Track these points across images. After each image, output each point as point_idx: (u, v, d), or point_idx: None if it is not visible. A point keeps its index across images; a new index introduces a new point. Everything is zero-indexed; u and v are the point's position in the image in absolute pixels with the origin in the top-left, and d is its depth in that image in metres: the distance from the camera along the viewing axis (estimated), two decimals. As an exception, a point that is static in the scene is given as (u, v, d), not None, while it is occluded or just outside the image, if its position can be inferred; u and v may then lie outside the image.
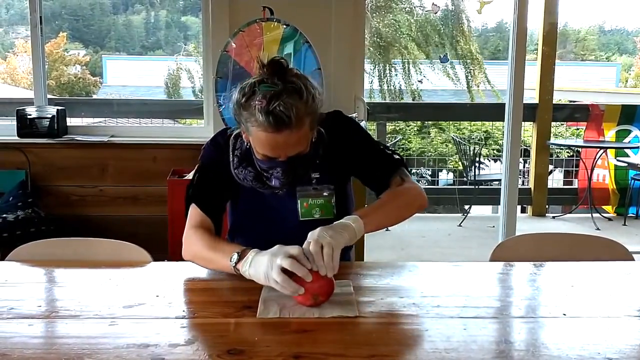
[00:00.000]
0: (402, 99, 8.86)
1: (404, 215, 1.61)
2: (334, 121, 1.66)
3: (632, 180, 5.57)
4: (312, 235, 1.38)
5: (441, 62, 8.79)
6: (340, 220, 1.46)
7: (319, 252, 1.34)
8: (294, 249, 1.34)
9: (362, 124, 2.80)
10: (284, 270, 1.31)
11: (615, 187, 5.71)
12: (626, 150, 5.79)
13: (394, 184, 1.63)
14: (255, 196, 1.64)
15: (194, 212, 1.63)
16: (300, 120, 1.43)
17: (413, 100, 8.90)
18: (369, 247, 3.29)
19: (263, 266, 1.35)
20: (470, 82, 8.93)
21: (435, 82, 9.03)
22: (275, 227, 1.62)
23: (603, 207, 5.73)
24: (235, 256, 1.43)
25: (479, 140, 6.91)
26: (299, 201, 1.61)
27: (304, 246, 1.36)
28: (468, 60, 8.92)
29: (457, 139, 6.38)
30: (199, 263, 1.57)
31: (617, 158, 5.66)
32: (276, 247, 1.36)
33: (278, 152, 1.48)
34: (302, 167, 1.56)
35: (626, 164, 5.58)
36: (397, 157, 1.69)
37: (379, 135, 5.92)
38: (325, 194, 1.61)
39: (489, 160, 7.95)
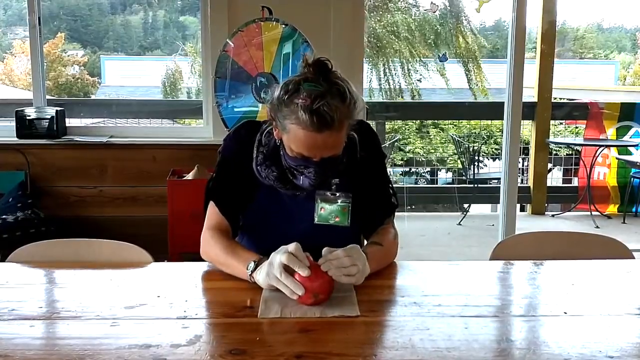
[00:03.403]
0: (402, 97, 8.87)
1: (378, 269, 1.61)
2: (361, 132, 1.66)
3: (632, 178, 5.57)
4: (350, 247, 1.43)
5: (440, 61, 8.80)
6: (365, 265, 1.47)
7: (339, 256, 1.38)
8: (291, 246, 1.35)
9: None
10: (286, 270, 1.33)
11: (617, 185, 5.71)
12: (629, 147, 5.80)
13: (384, 231, 1.66)
14: (271, 195, 1.64)
15: (212, 212, 1.64)
16: (341, 123, 1.43)
17: (412, 99, 8.91)
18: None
19: (267, 266, 1.38)
20: (472, 81, 8.94)
21: (435, 81, 9.04)
22: (288, 228, 1.61)
23: (603, 205, 5.73)
24: (252, 265, 1.44)
25: (479, 138, 6.92)
26: (317, 205, 1.60)
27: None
28: (466, 59, 8.93)
29: (456, 138, 6.38)
30: (216, 266, 1.58)
31: (618, 157, 5.66)
32: (282, 247, 1.38)
33: (314, 152, 1.47)
34: (331, 171, 1.55)
35: (625, 162, 5.59)
36: (395, 201, 1.72)
37: (378, 134, 5.91)
38: (342, 200, 1.61)
39: (488, 159, 7.96)
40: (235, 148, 1.66)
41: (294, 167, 1.53)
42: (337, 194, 1.61)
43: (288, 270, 1.33)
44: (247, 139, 1.65)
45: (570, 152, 6.93)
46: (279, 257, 1.34)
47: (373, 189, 1.69)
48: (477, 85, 9.05)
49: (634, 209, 5.65)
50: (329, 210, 1.61)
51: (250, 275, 1.44)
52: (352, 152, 1.63)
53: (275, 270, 1.34)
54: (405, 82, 8.93)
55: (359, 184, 1.66)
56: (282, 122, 1.47)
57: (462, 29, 9.00)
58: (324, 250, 1.40)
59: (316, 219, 1.61)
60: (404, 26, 8.89)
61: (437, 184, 7.94)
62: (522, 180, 6.32)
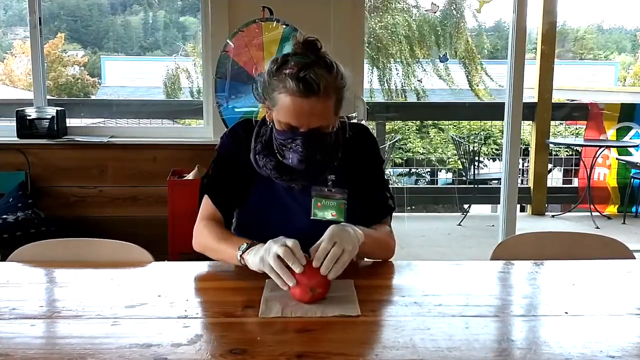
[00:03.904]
0: (405, 98, 8.87)
1: (375, 257, 1.62)
2: (360, 133, 1.70)
3: (632, 179, 5.57)
4: (330, 231, 1.41)
5: (440, 61, 8.80)
6: (357, 233, 1.47)
7: (328, 249, 1.37)
8: (290, 241, 1.36)
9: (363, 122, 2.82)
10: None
11: (617, 185, 5.72)
12: (629, 148, 5.80)
13: (379, 226, 1.67)
14: (268, 191, 1.65)
15: (206, 204, 1.66)
16: (327, 91, 1.48)
17: (418, 99, 8.91)
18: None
19: (261, 251, 1.38)
20: (473, 82, 8.94)
21: (434, 81, 9.03)
22: (284, 224, 1.61)
23: (603, 206, 5.73)
24: (244, 246, 1.45)
25: (479, 139, 6.92)
26: (313, 200, 1.61)
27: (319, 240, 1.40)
28: (467, 60, 8.92)
29: (457, 139, 6.39)
30: (208, 254, 1.60)
31: (618, 157, 5.67)
32: (279, 237, 1.38)
33: (301, 121, 1.50)
34: (320, 152, 1.55)
35: (625, 162, 5.59)
36: (392, 203, 1.73)
37: (378, 134, 5.92)
38: (339, 196, 1.62)
39: (488, 160, 7.96)
40: (231, 145, 1.68)
41: (282, 142, 1.55)
42: (333, 190, 1.62)
43: (283, 263, 1.34)
44: (244, 136, 1.66)
45: (571, 153, 6.94)
46: (275, 247, 1.35)
47: (369, 191, 1.69)
48: (477, 85, 9.05)
49: (633, 209, 5.65)
50: (325, 206, 1.62)
51: (241, 256, 1.44)
52: (344, 136, 1.65)
53: (270, 258, 1.34)
54: (405, 82, 8.93)
55: (355, 182, 1.66)
56: (272, 96, 1.51)
57: (462, 30, 9.00)
58: (311, 250, 1.40)
59: (312, 215, 1.62)
60: (404, 27, 8.89)
61: (437, 184, 7.94)
62: (522, 180, 6.33)
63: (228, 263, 1.53)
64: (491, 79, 9.02)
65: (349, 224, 1.48)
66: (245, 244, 1.46)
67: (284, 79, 1.47)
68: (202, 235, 1.61)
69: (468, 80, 8.99)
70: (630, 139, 5.76)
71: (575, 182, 6.22)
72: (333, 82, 1.49)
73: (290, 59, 1.50)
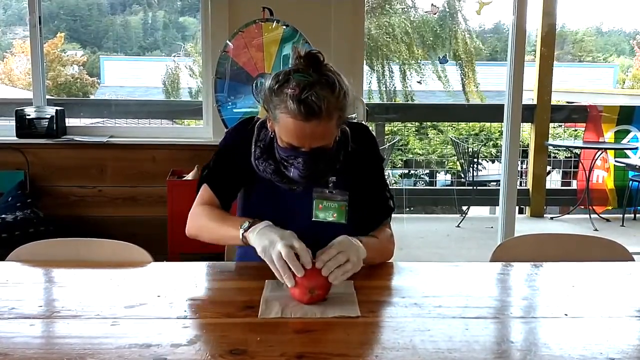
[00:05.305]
0: (396, 99, 8.88)
1: (375, 263, 1.61)
2: (360, 133, 1.69)
3: (630, 181, 5.58)
4: (339, 239, 1.42)
5: (440, 63, 8.80)
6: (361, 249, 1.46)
7: (333, 254, 1.37)
8: (297, 242, 1.36)
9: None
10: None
11: (614, 187, 5.72)
12: (626, 151, 5.80)
13: (379, 230, 1.66)
14: (269, 191, 1.65)
15: (204, 192, 1.66)
16: (330, 113, 1.45)
17: (407, 102, 8.92)
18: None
19: (266, 241, 1.38)
20: (466, 83, 8.95)
21: (433, 83, 9.04)
22: (285, 225, 1.57)
23: (602, 207, 5.73)
24: (246, 224, 1.46)
25: (480, 140, 6.93)
26: (314, 201, 1.61)
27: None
28: (463, 62, 8.93)
29: (456, 140, 6.39)
30: (203, 236, 1.60)
31: (616, 159, 5.67)
32: (288, 232, 1.39)
33: (303, 142, 1.49)
34: (323, 164, 1.55)
35: (624, 165, 5.59)
36: (392, 204, 1.73)
37: (377, 136, 5.92)
38: (340, 198, 1.62)
39: (487, 161, 7.96)
40: (235, 141, 1.68)
41: (284, 158, 1.54)
42: (335, 192, 1.62)
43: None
44: (248, 134, 1.66)
45: (569, 155, 6.94)
46: (280, 245, 1.34)
47: (370, 191, 1.69)
48: (475, 88, 9.06)
49: (630, 209, 5.64)
50: (326, 208, 1.62)
51: (243, 235, 1.45)
52: (347, 148, 1.64)
53: (274, 255, 1.35)
54: (402, 84, 8.93)
55: (355, 183, 1.66)
56: (273, 112, 1.49)
57: (461, 31, 9.00)
58: (318, 253, 1.39)
59: (314, 217, 1.62)
60: (401, 28, 8.89)
61: (436, 185, 7.95)
62: (520, 182, 6.33)
63: (226, 243, 1.55)
64: (477, 84, 9.03)
65: (354, 238, 1.46)
66: (247, 222, 1.46)
67: (285, 99, 1.44)
68: (199, 217, 1.61)
69: (462, 83, 9.00)
70: (629, 141, 5.76)
71: (574, 184, 6.22)
72: (335, 102, 1.45)
73: (292, 77, 1.45)
